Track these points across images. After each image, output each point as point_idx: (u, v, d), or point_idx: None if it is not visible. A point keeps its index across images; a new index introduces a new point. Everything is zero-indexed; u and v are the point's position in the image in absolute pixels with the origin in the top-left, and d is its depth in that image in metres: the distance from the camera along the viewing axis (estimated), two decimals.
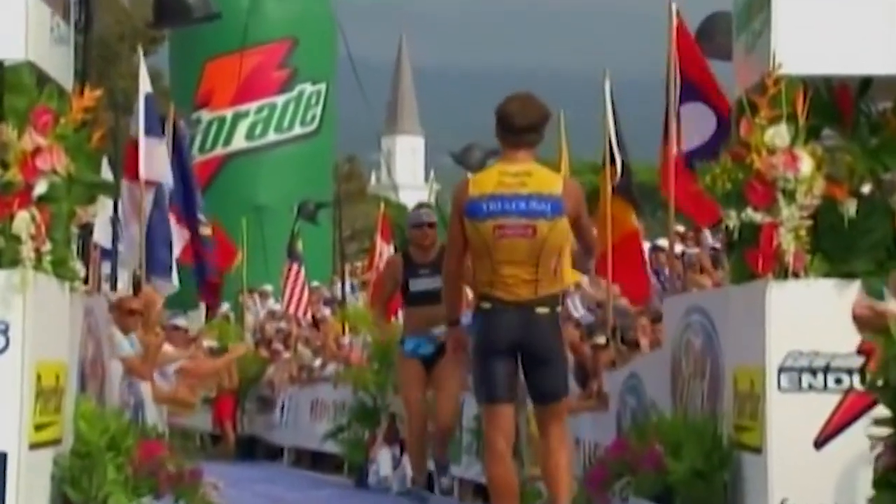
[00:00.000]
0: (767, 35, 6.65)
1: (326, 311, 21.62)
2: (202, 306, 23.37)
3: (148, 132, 12.98)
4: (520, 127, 6.78)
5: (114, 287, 15.96)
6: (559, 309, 6.96)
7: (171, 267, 13.16)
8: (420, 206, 10.23)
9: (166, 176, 13.21)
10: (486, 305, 6.74)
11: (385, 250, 18.97)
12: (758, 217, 6.50)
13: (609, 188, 11.81)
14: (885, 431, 3.38)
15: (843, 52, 6.57)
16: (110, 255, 15.79)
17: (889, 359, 3.30)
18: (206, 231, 14.58)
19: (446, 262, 7.00)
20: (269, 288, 24.45)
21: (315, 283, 22.48)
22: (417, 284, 9.46)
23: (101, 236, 15.23)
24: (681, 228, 13.93)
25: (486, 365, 6.76)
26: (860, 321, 3.41)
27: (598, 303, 12.43)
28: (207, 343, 18.12)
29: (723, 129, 10.01)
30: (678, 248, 12.48)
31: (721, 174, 6.68)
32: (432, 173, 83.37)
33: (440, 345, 8.98)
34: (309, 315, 20.85)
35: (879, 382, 3.37)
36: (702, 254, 12.06)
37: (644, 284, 11.94)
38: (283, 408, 19.33)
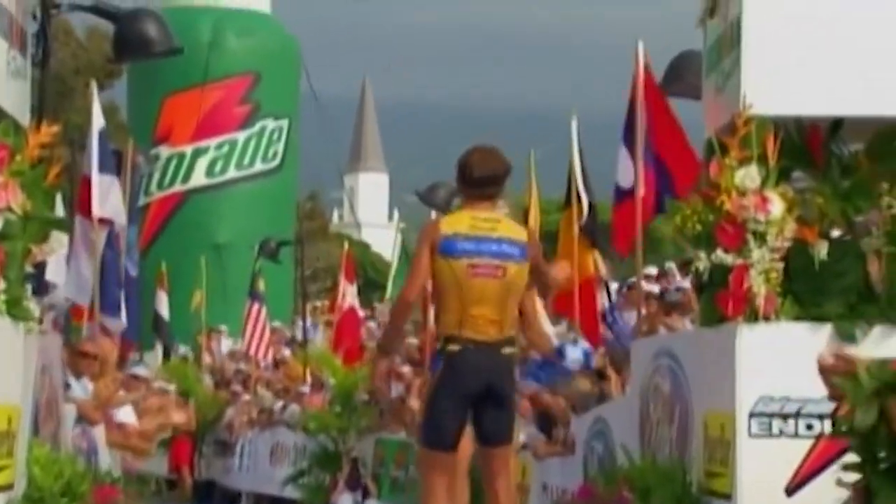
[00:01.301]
0: (737, 75, 6.71)
1: (287, 352, 21.55)
2: (158, 347, 23.25)
3: (101, 169, 12.99)
4: (480, 179, 6.93)
5: (68, 326, 15.84)
6: (518, 351, 7.10)
7: (120, 306, 13.32)
8: None
9: (120, 215, 13.22)
10: (454, 347, 6.82)
11: (349, 290, 18.95)
12: (728, 259, 6.54)
13: (575, 228, 11.86)
14: (853, 477, 3.40)
15: (813, 93, 6.64)
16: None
17: (857, 404, 3.33)
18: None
19: (408, 289, 6.99)
20: (223, 328, 24.40)
21: (276, 324, 22.42)
22: None
23: (56, 275, 15.14)
24: (652, 270, 13.96)
25: (446, 411, 6.83)
26: (827, 371, 3.43)
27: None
28: (159, 385, 17.98)
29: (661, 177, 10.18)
30: (655, 288, 12.52)
31: (691, 215, 6.72)
32: (396, 212, 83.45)
33: None
34: (270, 356, 20.78)
35: (847, 428, 3.40)
36: (690, 292, 11.89)
37: (598, 328, 12.01)
38: (241, 451, 19.22)
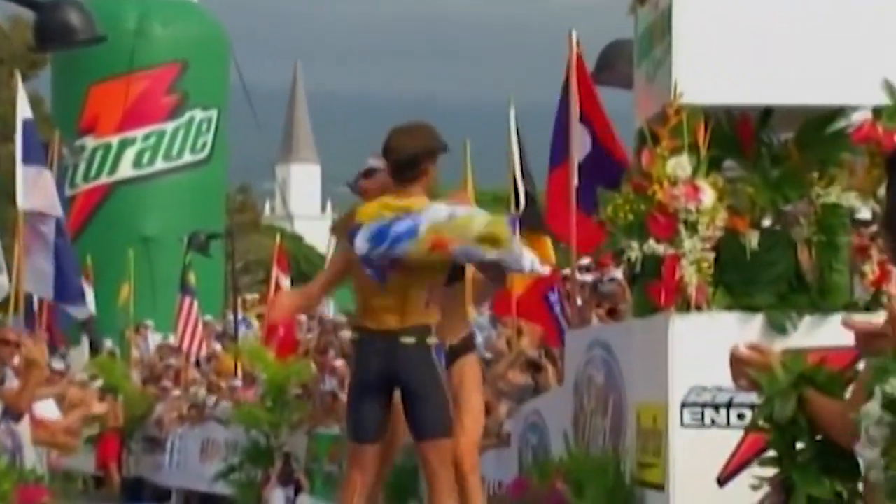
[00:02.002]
0: (668, 64, 6.76)
1: (217, 347, 21.47)
2: (85, 342, 23.07)
3: (28, 160, 12.84)
4: (398, 162, 6.76)
5: None
6: (430, 341, 6.76)
7: (83, 293, 13.24)
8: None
9: (53, 206, 13.04)
10: (356, 336, 6.86)
11: (283, 281, 18.89)
12: (660, 249, 6.58)
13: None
14: (770, 471, 3.45)
15: (743, 83, 6.71)
16: None
17: (774, 396, 3.37)
18: None
19: (313, 283, 7.23)
20: (149, 323, 24.25)
21: (207, 318, 22.31)
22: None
23: None
24: (585, 261, 14.02)
25: (356, 401, 6.81)
26: (741, 362, 3.46)
27: (508, 340, 12.39)
28: (79, 377, 17.80)
29: (597, 151, 10.12)
30: (588, 277, 12.54)
31: (623, 205, 6.76)
32: (329, 203, 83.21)
33: (452, 351, 7.18)
34: (204, 351, 20.70)
35: (761, 422, 3.44)
36: (624, 284, 11.78)
37: (557, 327, 11.83)
38: (171, 448, 19.12)
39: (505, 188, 12.33)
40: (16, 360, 10.68)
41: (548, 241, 11.76)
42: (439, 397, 6.81)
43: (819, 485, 3.33)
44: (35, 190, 12.81)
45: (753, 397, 6.19)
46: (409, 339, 6.69)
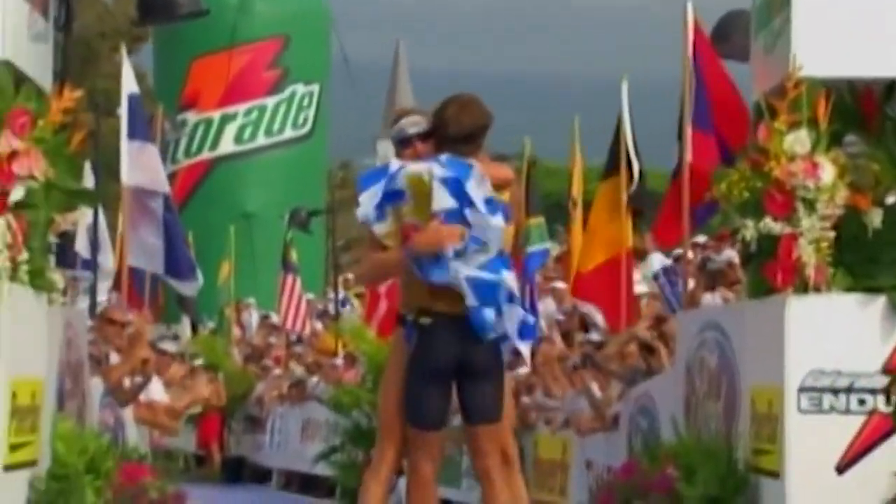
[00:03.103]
0: (787, 35, 6.66)
1: (318, 326, 21.62)
2: (186, 320, 23.37)
3: (133, 135, 12.88)
4: (454, 137, 6.62)
5: (93, 299, 15.99)
6: None
7: (194, 268, 13.28)
8: (402, 113, 7.08)
9: (161, 182, 13.06)
10: (426, 321, 6.57)
11: None
12: (776, 228, 6.51)
13: (624, 197, 11.73)
14: None
15: (867, 54, 6.59)
16: (89, 265, 15.84)
17: None
18: None
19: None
20: (251, 300, 24.43)
21: (309, 296, 22.47)
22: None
23: (81, 245, 15.25)
24: (701, 239, 13.89)
25: (424, 388, 6.60)
26: None
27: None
28: (171, 346, 17.98)
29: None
30: (698, 256, 12.46)
31: (738, 182, 6.68)
32: None
33: None
34: (308, 329, 20.84)
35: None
36: (736, 263, 11.49)
37: (618, 313, 11.74)
38: (272, 427, 19.32)
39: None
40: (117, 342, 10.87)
41: (629, 227, 11.73)
42: (502, 379, 6.72)
43: None
44: (139, 165, 12.85)
45: (875, 382, 6.10)
46: None
